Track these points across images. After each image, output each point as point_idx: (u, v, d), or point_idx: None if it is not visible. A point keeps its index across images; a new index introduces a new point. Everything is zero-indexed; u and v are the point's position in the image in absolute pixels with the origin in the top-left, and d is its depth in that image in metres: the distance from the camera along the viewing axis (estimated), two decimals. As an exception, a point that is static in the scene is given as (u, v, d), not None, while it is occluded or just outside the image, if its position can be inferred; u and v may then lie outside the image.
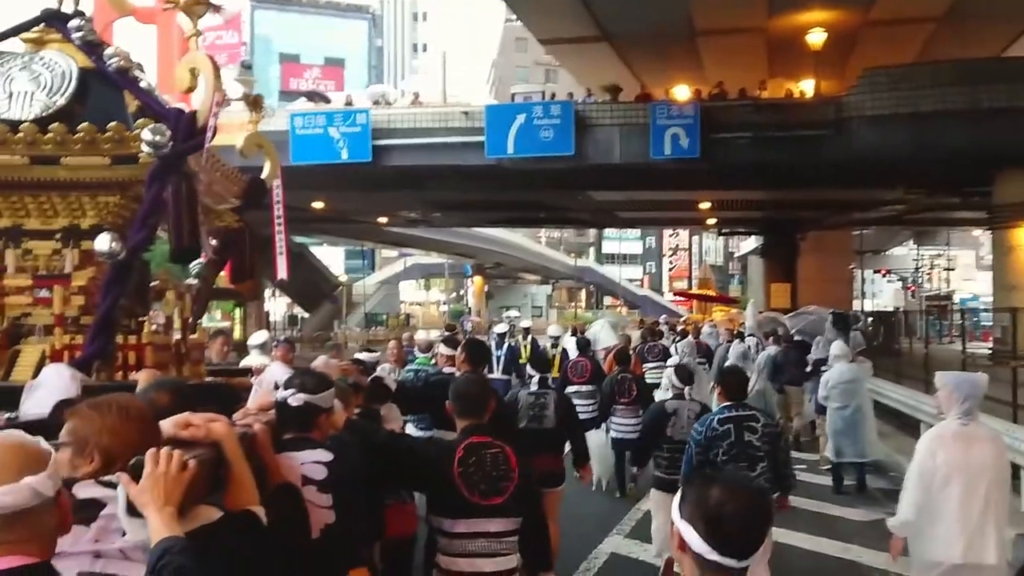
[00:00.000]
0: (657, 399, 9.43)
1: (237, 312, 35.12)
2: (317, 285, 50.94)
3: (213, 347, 8.44)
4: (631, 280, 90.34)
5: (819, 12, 23.95)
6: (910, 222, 41.99)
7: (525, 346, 13.69)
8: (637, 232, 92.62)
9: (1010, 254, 22.09)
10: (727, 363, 13.17)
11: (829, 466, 11.44)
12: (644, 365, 14.03)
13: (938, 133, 21.14)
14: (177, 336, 5.70)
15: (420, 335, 21.38)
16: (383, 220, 38.83)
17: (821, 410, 11.92)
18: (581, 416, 8.68)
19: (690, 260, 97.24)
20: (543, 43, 32.44)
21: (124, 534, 2.23)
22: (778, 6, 24.08)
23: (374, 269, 78.53)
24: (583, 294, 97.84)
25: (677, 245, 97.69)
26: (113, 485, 2.25)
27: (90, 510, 2.22)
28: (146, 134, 4.62)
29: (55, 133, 4.79)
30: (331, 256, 67.42)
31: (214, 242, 6.15)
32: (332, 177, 25.54)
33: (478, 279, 78.92)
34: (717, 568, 1.92)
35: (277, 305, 60.94)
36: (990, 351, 19.91)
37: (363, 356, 6.65)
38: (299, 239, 43.97)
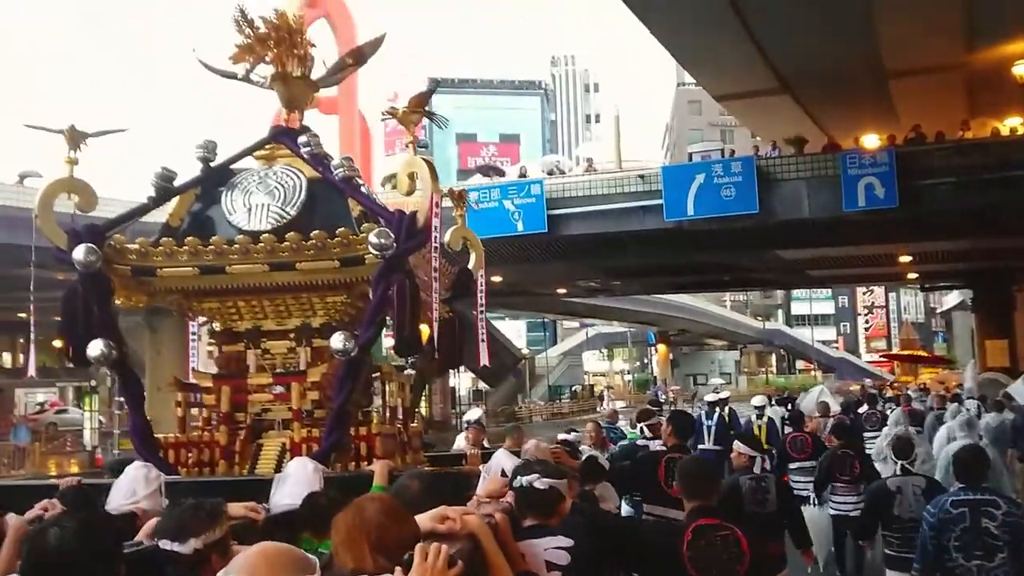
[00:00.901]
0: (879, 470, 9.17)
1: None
2: (500, 359, 50.79)
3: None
4: (824, 342, 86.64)
5: (1024, 42, 21.62)
6: None
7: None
8: (828, 291, 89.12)
9: None
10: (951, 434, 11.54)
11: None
12: (865, 435, 13.24)
13: None
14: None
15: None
16: (562, 291, 38.45)
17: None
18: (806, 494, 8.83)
19: (887, 318, 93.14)
20: (719, 99, 31.20)
21: None
22: (978, 39, 21.97)
23: (556, 341, 78.38)
24: (773, 358, 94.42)
25: (872, 303, 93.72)
26: None
27: None
28: (373, 238, 4.90)
29: (291, 241, 5.12)
30: (512, 329, 67.20)
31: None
32: (509, 249, 25.12)
33: (662, 347, 77.67)
34: None
35: (461, 380, 61.46)
36: None
37: (568, 436, 6.95)
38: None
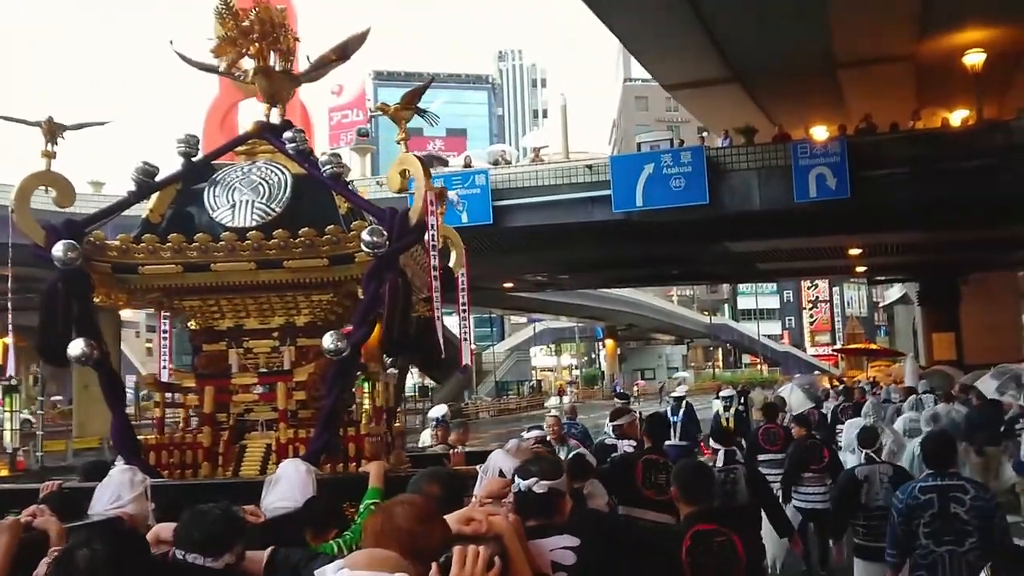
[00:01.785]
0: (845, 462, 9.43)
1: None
2: (446, 355, 50.64)
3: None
4: (770, 336, 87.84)
5: (975, 31, 21.95)
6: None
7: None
8: (773, 286, 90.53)
9: None
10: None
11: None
12: (837, 427, 13.77)
13: None
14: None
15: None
16: (509, 285, 38.13)
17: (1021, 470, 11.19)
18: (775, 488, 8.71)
19: (832, 313, 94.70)
20: (668, 89, 31.24)
21: None
22: (928, 28, 22.21)
23: (503, 336, 78.41)
24: (720, 353, 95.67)
25: (817, 297, 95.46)
26: None
27: None
28: (365, 235, 4.89)
29: (279, 238, 5.12)
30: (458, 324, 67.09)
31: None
32: (452, 242, 24.74)
33: (610, 342, 78.49)
34: None
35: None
36: None
37: (540, 433, 6.90)
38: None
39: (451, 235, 6.66)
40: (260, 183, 5.49)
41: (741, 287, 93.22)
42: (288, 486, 4.29)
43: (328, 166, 5.38)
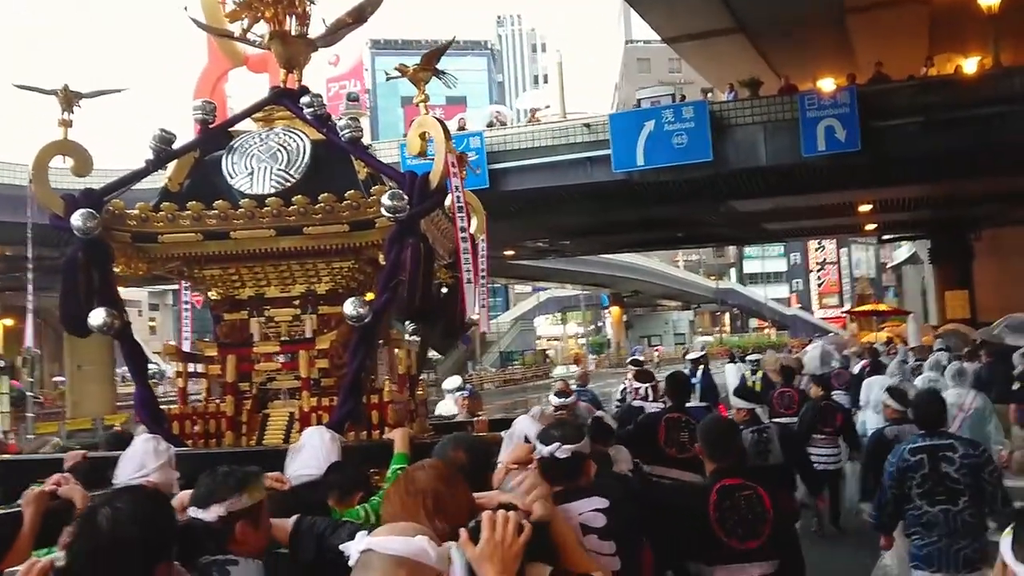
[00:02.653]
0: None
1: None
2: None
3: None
4: (777, 300, 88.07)
5: (993, -33, 21.53)
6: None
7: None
8: (780, 249, 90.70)
9: None
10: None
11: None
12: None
13: None
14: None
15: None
16: (510, 252, 38.03)
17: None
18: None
19: (839, 274, 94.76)
20: (669, 42, 31.00)
21: None
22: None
23: (508, 306, 78.61)
24: (727, 318, 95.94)
25: (824, 259, 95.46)
26: None
27: None
28: (385, 200, 4.93)
29: (298, 204, 5.15)
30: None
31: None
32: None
33: (615, 309, 78.70)
34: None
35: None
36: None
37: (564, 400, 7.14)
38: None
39: (472, 201, 6.65)
40: (278, 149, 5.52)
41: (748, 251, 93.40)
42: (312, 454, 4.39)
43: (347, 130, 5.40)
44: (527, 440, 3.77)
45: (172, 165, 5.64)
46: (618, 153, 22.93)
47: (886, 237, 49.13)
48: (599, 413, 6.53)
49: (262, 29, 5.65)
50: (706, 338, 59.11)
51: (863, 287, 79.97)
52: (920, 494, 5.60)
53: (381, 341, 5.91)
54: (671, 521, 4.14)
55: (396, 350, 6.03)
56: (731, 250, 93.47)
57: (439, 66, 5.47)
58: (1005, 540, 2.24)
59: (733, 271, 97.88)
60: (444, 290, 6.59)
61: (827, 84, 25.16)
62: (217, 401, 5.56)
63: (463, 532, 2.31)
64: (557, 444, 3.47)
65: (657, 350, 68.01)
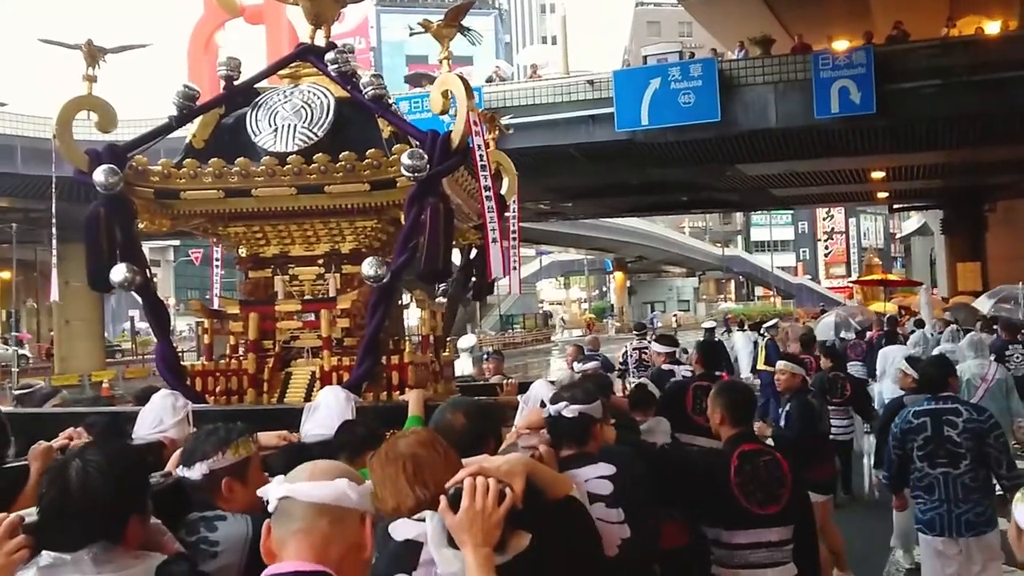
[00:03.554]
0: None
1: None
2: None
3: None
4: (783, 268, 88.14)
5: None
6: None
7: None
8: (788, 217, 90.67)
9: None
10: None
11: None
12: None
13: None
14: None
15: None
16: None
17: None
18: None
19: (847, 244, 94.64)
20: None
21: None
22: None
23: (511, 269, 78.67)
24: (732, 285, 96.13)
25: (832, 228, 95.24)
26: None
27: (411, 552, 2.40)
28: (405, 159, 4.94)
29: (319, 163, 5.23)
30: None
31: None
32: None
33: (619, 275, 79.01)
34: None
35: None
36: None
37: (583, 367, 6.94)
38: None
39: (504, 161, 6.72)
40: (303, 107, 5.57)
41: (755, 218, 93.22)
42: (327, 413, 4.49)
43: (370, 87, 5.43)
44: (543, 405, 3.79)
45: (197, 121, 5.72)
46: (622, 112, 22.71)
47: (897, 206, 48.92)
48: (643, 380, 6.55)
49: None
50: (728, 305, 59.12)
51: (871, 257, 79.85)
52: (921, 456, 5.81)
53: (402, 302, 5.99)
54: (692, 486, 4.27)
55: (420, 311, 6.08)
56: (738, 217, 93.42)
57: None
58: (1019, 506, 2.31)
59: (740, 238, 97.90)
60: (474, 252, 6.75)
61: (842, 45, 24.64)
62: (240, 358, 5.67)
63: (442, 499, 2.30)
64: (564, 403, 3.49)
65: (675, 315, 68.39)
